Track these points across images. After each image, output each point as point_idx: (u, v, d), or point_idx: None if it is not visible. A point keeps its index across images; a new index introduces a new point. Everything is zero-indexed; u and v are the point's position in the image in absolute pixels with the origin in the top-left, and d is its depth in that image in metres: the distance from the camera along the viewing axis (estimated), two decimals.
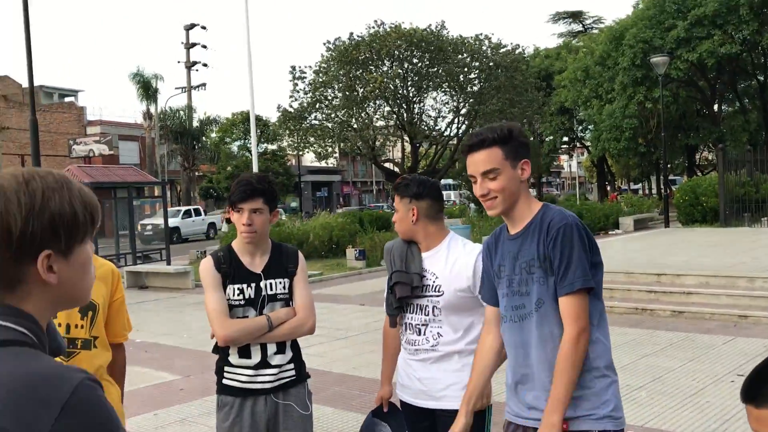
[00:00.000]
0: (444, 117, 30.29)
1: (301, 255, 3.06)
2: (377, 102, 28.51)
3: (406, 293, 2.87)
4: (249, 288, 2.88)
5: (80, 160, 37.68)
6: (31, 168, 1.17)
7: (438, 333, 2.86)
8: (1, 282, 1.12)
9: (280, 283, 2.93)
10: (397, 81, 27.87)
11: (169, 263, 18.66)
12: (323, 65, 27.87)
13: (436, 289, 2.84)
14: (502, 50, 28.98)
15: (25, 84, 15.72)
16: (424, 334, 2.88)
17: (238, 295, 2.86)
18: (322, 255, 19.19)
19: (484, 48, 28.73)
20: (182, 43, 40.64)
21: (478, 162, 2.32)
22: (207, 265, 2.91)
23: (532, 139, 36.87)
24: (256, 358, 2.88)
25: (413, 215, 2.87)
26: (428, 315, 2.87)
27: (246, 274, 2.89)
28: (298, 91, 28.24)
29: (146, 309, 12.32)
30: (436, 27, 27.94)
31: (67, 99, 45.60)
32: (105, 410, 1.06)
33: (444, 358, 2.86)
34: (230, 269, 2.88)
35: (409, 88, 28.50)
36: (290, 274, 2.96)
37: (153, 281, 15.41)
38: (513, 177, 2.31)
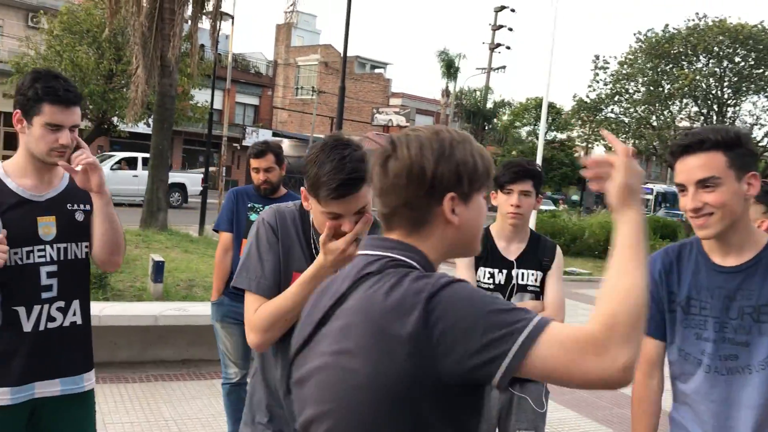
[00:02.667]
0: (762, 125, 26.95)
1: (559, 250, 2.94)
2: (684, 101, 26.29)
3: None
4: (500, 274, 2.83)
5: (379, 128, 40.62)
6: (442, 125, 1.34)
7: None
8: (411, 220, 1.29)
9: (533, 274, 2.84)
10: (711, 80, 25.36)
11: None
12: (629, 56, 26.37)
13: None
14: None
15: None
16: None
17: (489, 278, 2.83)
18: (596, 255, 18.41)
19: None
20: (489, 24, 41.40)
21: (692, 168, 1.88)
22: None
23: None
24: None
25: (762, 226, 2.55)
26: None
27: (499, 259, 2.86)
28: (597, 81, 27.15)
29: None
30: None
31: (376, 70, 49.31)
32: (467, 292, 1.17)
33: None
34: (484, 252, 2.86)
35: (725, 89, 25.79)
36: (544, 267, 2.87)
37: None
38: (736, 192, 1.86)
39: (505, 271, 2.84)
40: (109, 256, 2.34)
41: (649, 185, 45.11)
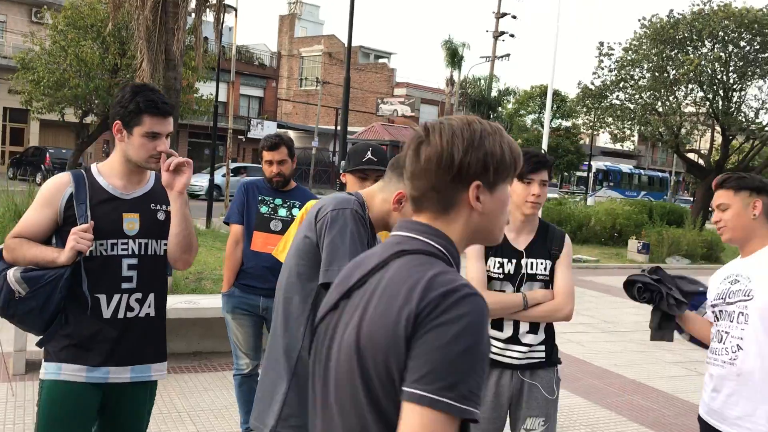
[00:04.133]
0: None
1: (567, 239, 2.96)
2: (689, 86, 26.14)
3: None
4: (509, 263, 2.85)
5: (384, 119, 40.56)
6: (474, 116, 1.40)
7: (738, 345, 2.52)
8: (438, 203, 1.37)
9: (542, 264, 2.87)
10: (717, 65, 25.20)
11: None
12: (634, 43, 26.23)
13: (746, 294, 2.53)
14: None
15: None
16: (723, 343, 2.59)
17: (498, 268, 2.85)
18: (602, 242, 18.43)
19: None
20: (493, 12, 41.25)
21: None
22: None
23: None
24: (507, 332, 2.87)
25: (754, 209, 2.57)
26: (732, 322, 2.57)
27: (509, 249, 2.87)
28: (602, 68, 27.00)
29: None
30: None
31: (380, 60, 49.17)
32: (479, 317, 1.20)
33: (743, 378, 2.50)
34: None
35: (730, 74, 25.64)
36: (553, 256, 2.89)
37: None
38: None
39: (514, 261, 2.85)
40: (181, 254, 2.49)
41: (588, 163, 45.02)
